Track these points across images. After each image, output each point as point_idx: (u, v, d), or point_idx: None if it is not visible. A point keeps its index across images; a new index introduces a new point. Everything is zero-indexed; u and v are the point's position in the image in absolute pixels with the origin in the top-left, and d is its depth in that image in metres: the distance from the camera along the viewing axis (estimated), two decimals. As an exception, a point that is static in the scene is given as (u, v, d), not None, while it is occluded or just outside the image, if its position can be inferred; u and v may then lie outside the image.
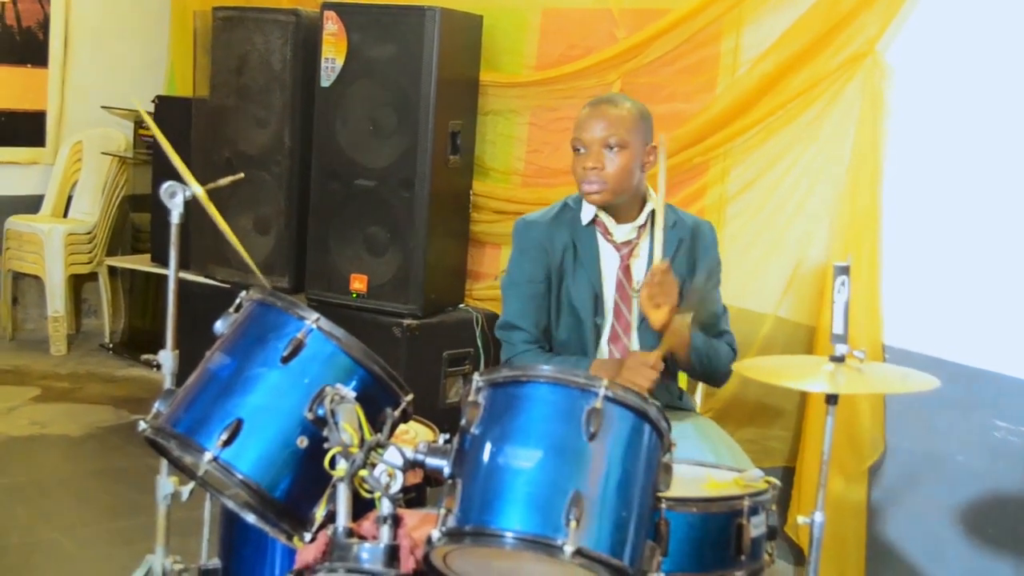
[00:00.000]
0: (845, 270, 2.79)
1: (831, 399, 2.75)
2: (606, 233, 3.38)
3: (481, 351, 5.33)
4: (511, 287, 3.45)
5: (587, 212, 3.38)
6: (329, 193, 5.39)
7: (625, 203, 3.34)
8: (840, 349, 2.78)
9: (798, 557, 4.30)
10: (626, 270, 3.36)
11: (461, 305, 5.54)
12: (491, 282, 5.58)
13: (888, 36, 4.05)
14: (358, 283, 5.31)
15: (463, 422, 2.17)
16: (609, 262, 3.39)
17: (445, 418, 2.78)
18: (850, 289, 2.80)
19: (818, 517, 2.79)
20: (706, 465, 2.91)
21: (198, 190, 3.15)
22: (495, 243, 5.60)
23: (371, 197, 5.28)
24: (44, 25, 7.16)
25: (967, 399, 3.86)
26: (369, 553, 2.19)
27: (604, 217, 3.37)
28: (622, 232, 3.37)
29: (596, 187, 3.25)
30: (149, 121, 3.80)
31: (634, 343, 3.37)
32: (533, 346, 3.39)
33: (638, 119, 3.30)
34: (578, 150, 3.28)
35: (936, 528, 4.01)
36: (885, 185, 4.08)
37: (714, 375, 3.47)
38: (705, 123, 4.56)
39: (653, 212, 3.37)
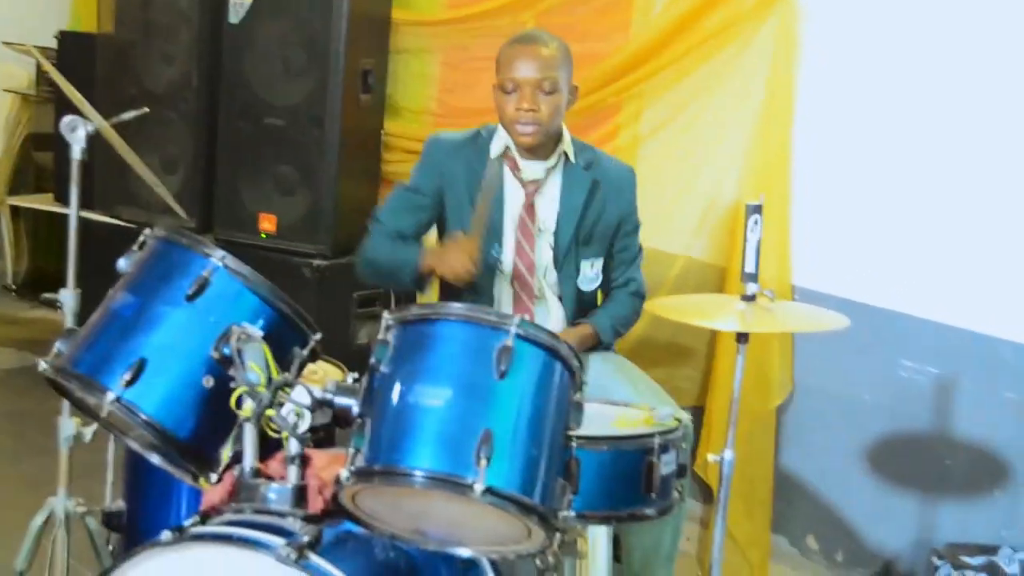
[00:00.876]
0: (758, 209, 2.79)
1: (741, 338, 2.77)
2: (514, 168, 3.35)
3: (391, 292, 5.29)
4: (397, 188, 3.47)
5: (497, 145, 3.35)
6: (237, 132, 5.30)
7: (542, 144, 3.32)
8: (751, 288, 2.79)
9: (706, 496, 4.34)
10: (530, 208, 3.33)
11: (372, 246, 5.49)
12: (403, 223, 5.53)
13: (801, -23, 4.06)
14: (267, 223, 5.23)
15: (372, 360, 2.14)
16: (513, 198, 3.35)
17: (355, 359, 2.74)
18: (762, 228, 2.80)
19: (727, 455, 2.81)
20: (617, 404, 2.91)
21: (102, 124, 3.07)
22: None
23: (280, 136, 5.20)
24: (-58, -42, 6.95)
25: (873, 339, 3.91)
26: (276, 493, 2.17)
27: (515, 152, 3.34)
28: (531, 170, 3.34)
29: (531, 128, 3.21)
30: (40, 59, 3.70)
31: (539, 281, 3.34)
32: (381, 234, 3.38)
33: (566, 59, 3.26)
34: (509, 90, 3.20)
35: (843, 466, 4.08)
36: (796, 126, 4.10)
37: (625, 333, 3.52)
38: (619, 63, 4.55)
39: (565, 153, 3.35)
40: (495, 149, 3.35)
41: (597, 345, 3.38)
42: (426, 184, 3.39)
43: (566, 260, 3.35)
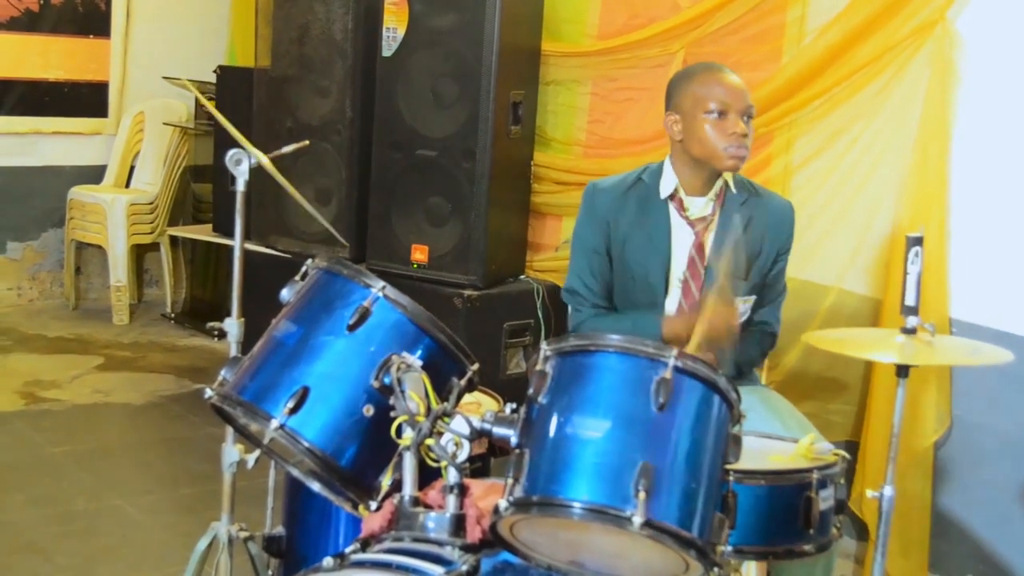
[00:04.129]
0: (918, 241, 2.75)
1: (902, 371, 2.72)
2: (681, 209, 3.33)
3: (542, 322, 5.31)
4: (578, 251, 3.45)
5: (666, 185, 3.33)
6: (390, 163, 5.39)
7: (712, 173, 3.31)
8: (911, 321, 2.74)
9: (861, 533, 4.26)
10: (699, 248, 3.31)
11: (522, 276, 5.53)
12: (552, 253, 5.57)
13: (959, 4, 3.99)
14: (419, 254, 5.30)
15: (530, 391, 2.15)
16: (682, 240, 3.33)
17: (506, 390, 2.77)
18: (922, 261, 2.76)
19: (887, 491, 2.76)
20: (772, 437, 2.88)
21: (263, 158, 3.15)
22: (556, 214, 5.58)
23: (432, 167, 5.27)
24: (107, -4, 7.21)
25: (1035, 374, 3.81)
26: (435, 522, 2.18)
27: (682, 192, 3.32)
28: (698, 206, 3.32)
29: (744, 153, 3.21)
30: (197, 93, 3.81)
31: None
32: (602, 311, 3.38)
33: None
34: (716, 113, 3.20)
35: (1002, 504, 3.96)
36: (954, 155, 4.02)
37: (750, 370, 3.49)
38: (771, 93, 4.51)
39: (726, 182, 3.33)
40: (665, 189, 3.34)
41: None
42: (598, 239, 3.38)
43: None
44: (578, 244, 3.45)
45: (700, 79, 3.26)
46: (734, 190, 3.35)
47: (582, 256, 3.43)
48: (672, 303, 3.35)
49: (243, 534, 3.19)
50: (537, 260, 5.61)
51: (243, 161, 3.05)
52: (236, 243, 3.12)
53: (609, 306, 3.41)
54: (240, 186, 3.07)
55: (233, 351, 3.08)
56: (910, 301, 2.73)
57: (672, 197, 3.34)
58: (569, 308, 3.49)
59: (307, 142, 3.48)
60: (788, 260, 3.46)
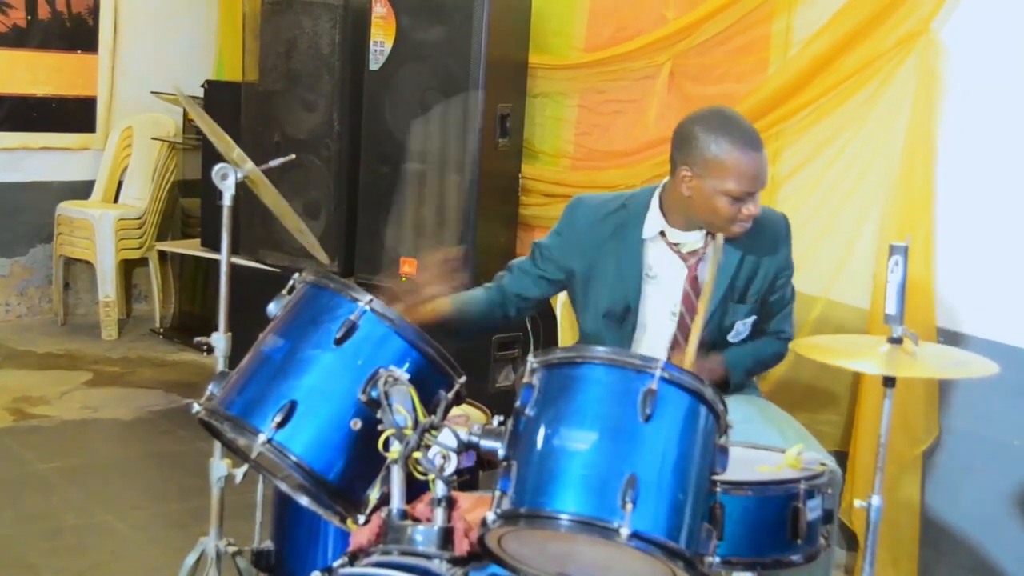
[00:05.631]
0: (900, 250, 2.75)
1: (889, 381, 2.72)
2: (671, 245, 3.29)
3: (531, 335, 5.30)
4: (534, 247, 3.42)
5: (651, 227, 3.28)
6: (378, 177, 5.40)
7: None
8: (897, 330, 2.74)
9: (851, 543, 4.26)
10: (693, 281, 3.28)
11: (510, 289, 5.51)
12: (540, 266, 5.56)
13: (943, 14, 4.00)
14: (407, 266, 5.31)
15: (517, 404, 2.16)
16: (674, 275, 3.30)
17: (494, 403, 2.77)
18: (905, 270, 2.76)
19: (875, 501, 2.75)
20: (759, 447, 2.88)
21: (253, 169, 3.15)
22: (544, 226, 5.56)
23: (420, 181, 5.27)
24: (94, 11, 7.20)
25: (1022, 383, 3.81)
26: (423, 535, 2.18)
27: (670, 231, 3.27)
28: (690, 240, 3.28)
29: (748, 227, 3.17)
30: (187, 105, 3.79)
31: (691, 351, 3.30)
32: (492, 287, 3.39)
33: None
34: (734, 195, 3.09)
35: (993, 514, 3.97)
36: (939, 165, 4.03)
37: (759, 374, 3.51)
38: (756, 104, 4.51)
39: None
40: (648, 231, 3.29)
41: (725, 381, 3.33)
42: (559, 254, 3.35)
43: (712, 319, 3.27)
44: (537, 243, 3.42)
45: (728, 151, 3.09)
46: None
47: (531, 255, 3.41)
48: (665, 336, 3.33)
49: (231, 549, 3.19)
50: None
51: (229, 175, 3.05)
52: (223, 257, 3.12)
53: (506, 301, 3.38)
54: (227, 200, 3.07)
55: (220, 366, 3.09)
56: (891, 310, 2.73)
57: (657, 236, 3.29)
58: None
59: (293, 156, 3.48)
60: (792, 270, 3.45)
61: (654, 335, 3.34)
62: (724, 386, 3.31)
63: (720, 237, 3.20)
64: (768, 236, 3.34)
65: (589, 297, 3.36)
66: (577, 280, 3.37)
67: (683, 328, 3.29)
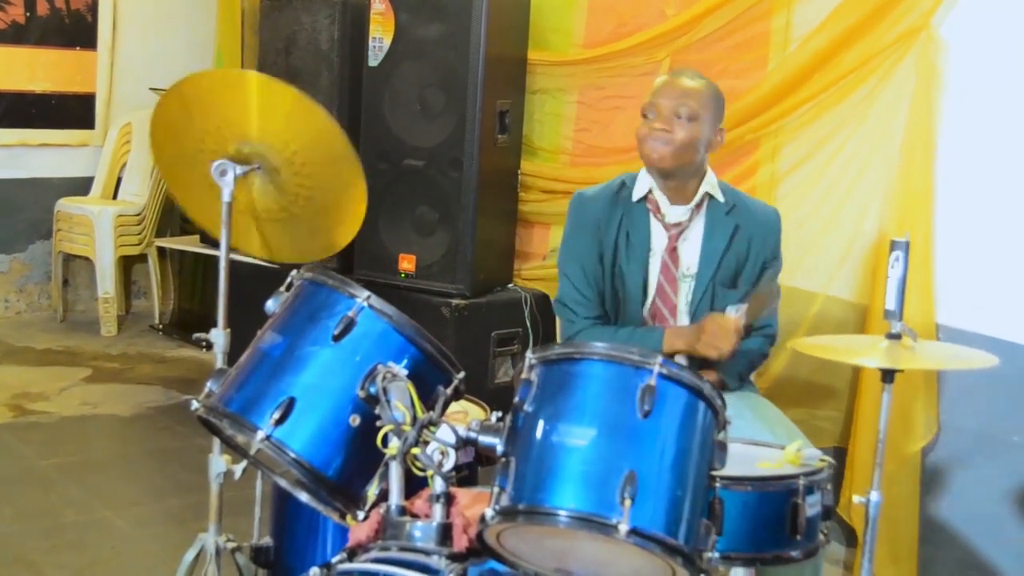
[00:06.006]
0: (900, 246, 2.75)
1: (887, 376, 2.72)
2: (656, 211, 3.35)
3: (530, 331, 5.31)
4: (569, 262, 3.44)
5: (640, 187, 3.36)
6: (377, 173, 5.38)
7: (681, 180, 3.31)
8: (896, 326, 2.74)
9: (850, 539, 4.26)
10: (672, 252, 3.33)
11: (510, 285, 5.52)
12: (540, 262, 5.57)
13: (943, 10, 4.00)
14: (407, 263, 5.31)
15: (516, 400, 2.15)
16: (656, 241, 3.36)
17: (494, 399, 2.77)
18: (906, 266, 2.76)
19: (874, 496, 2.76)
20: (759, 444, 2.88)
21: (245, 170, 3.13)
22: (543, 223, 5.59)
23: (419, 177, 5.28)
24: (93, 8, 7.20)
25: (1022, 379, 3.81)
26: (422, 531, 2.18)
27: (657, 194, 3.35)
28: (675, 213, 3.34)
29: (659, 145, 3.23)
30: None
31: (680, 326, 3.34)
32: (597, 321, 3.38)
33: (712, 96, 3.30)
34: (647, 115, 3.26)
35: (991, 509, 3.97)
36: (939, 160, 4.03)
37: (750, 371, 3.53)
38: (756, 100, 4.52)
39: (708, 195, 3.34)
40: (638, 192, 3.36)
41: (721, 386, 3.34)
42: (590, 247, 3.39)
43: (701, 303, 3.33)
44: (568, 254, 3.44)
45: (652, 87, 3.33)
46: (720, 198, 3.36)
47: (575, 266, 3.42)
48: (648, 303, 3.37)
49: (230, 545, 3.18)
50: (525, 269, 5.61)
51: (228, 172, 3.04)
52: (221, 253, 3.12)
53: (603, 317, 3.41)
54: (225, 196, 3.05)
55: (219, 362, 3.08)
56: (891, 305, 2.74)
57: (646, 199, 3.36)
58: (560, 320, 3.49)
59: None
60: (780, 266, 3.47)
61: (646, 308, 3.39)
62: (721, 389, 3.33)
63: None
64: (759, 222, 3.40)
65: (615, 277, 3.39)
66: (605, 265, 3.40)
67: (665, 301, 3.35)
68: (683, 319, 3.36)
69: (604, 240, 3.37)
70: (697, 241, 3.35)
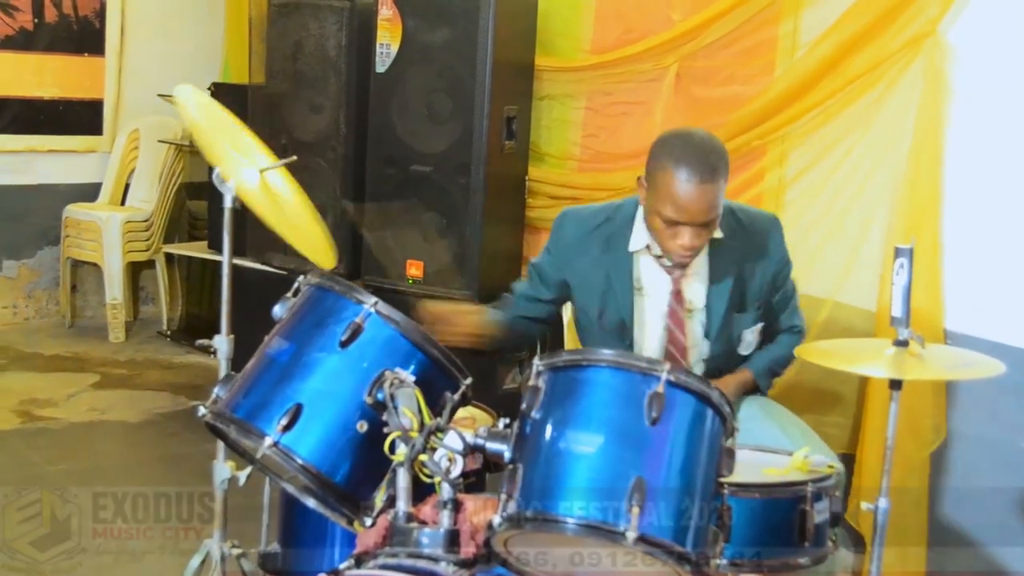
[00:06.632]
0: (904, 252, 2.74)
1: (895, 384, 2.71)
2: (657, 258, 3.24)
3: (538, 338, 5.30)
4: (531, 268, 3.48)
5: (636, 241, 3.25)
6: (385, 179, 5.39)
7: None
8: (903, 333, 2.74)
9: (858, 545, 4.25)
10: (677, 295, 3.25)
11: (517, 291, 5.51)
12: (546, 268, 5.55)
13: (950, 16, 3.98)
14: (414, 269, 5.31)
15: (523, 406, 2.15)
16: (659, 286, 3.27)
17: (501, 405, 2.77)
18: (911, 272, 2.75)
19: (882, 503, 2.75)
20: (767, 450, 2.87)
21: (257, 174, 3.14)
22: (550, 229, 5.57)
23: (427, 183, 5.28)
24: (100, 14, 7.20)
25: (1032, 385, 3.80)
26: (429, 538, 2.18)
27: (654, 244, 3.21)
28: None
29: (688, 256, 3.11)
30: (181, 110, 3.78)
31: (691, 365, 3.31)
32: (522, 320, 3.47)
33: (727, 170, 3.06)
34: (670, 222, 3.02)
35: (1001, 516, 3.96)
36: (947, 166, 4.02)
37: (782, 373, 3.51)
38: (763, 106, 4.51)
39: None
40: (634, 244, 3.26)
41: (755, 390, 3.34)
42: (550, 275, 3.39)
43: (721, 334, 3.29)
44: (536, 264, 3.46)
45: (670, 174, 2.98)
46: (719, 233, 3.19)
47: (532, 276, 3.46)
48: (656, 349, 3.31)
49: (236, 551, 3.18)
50: (532, 275, 5.60)
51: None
52: (224, 259, 3.12)
53: (524, 324, 3.49)
54: (228, 203, 3.06)
55: (223, 368, 3.08)
56: (897, 312, 2.73)
57: (643, 249, 3.26)
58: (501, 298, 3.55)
59: (295, 157, 3.43)
60: (791, 265, 3.43)
61: (650, 351, 3.31)
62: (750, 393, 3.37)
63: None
64: (756, 240, 3.31)
65: (588, 312, 3.36)
66: (574, 295, 3.39)
67: (675, 343, 3.30)
68: (693, 352, 3.32)
69: (572, 269, 3.34)
70: (702, 275, 3.26)
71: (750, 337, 3.34)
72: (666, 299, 3.27)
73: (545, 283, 3.41)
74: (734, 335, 3.32)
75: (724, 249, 3.24)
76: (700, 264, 3.25)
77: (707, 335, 3.29)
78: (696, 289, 3.27)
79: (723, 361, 3.34)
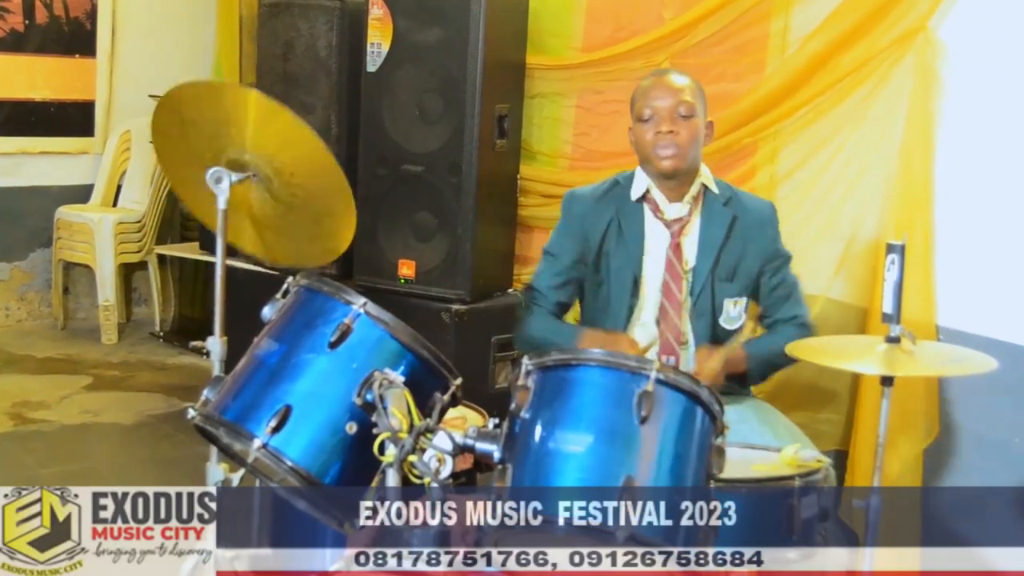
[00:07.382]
0: (896, 248, 2.75)
1: (887, 381, 2.71)
2: (656, 210, 3.35)
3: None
4: (546, 255, 3.50)
5: (637, 188, 3.37)
6: (376, 179, 5.38)
7: (683, 178, 3.32)
8: (895, 330, 2.74)
9: (852, 542, 4.25)
10: (676, 248, 3.33)
11: (510, 290, 5.51)
12: (539, 267, 5.55)
13: (940, 12, 3.99)
14: (406, 269, 5.30)
15: (513, 406, 2.15)
16: (658, 241, 3.36)
17: (494, 404, 2.76)
18: (902, 269, 2.75)
19: (873, 501, 2.75)
20: (755, 447, 2.87)
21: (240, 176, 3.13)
22: (543, 227, 5.57)
23: (418, 182, 5.26)
24: (91, 15, 7.19)
25: (1023, 381, 3.80)
26: (420, 538, 2.18)
27: (655, 193, 3.35)
28: (674, 209, 3.34)
29: (671, 151, 3.23)
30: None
31: (686, 324, 3.34)
32: (543, 311, 3.43)
33: (699, 89, 3.33)
34: (646, 119, 3.26)
35: (994, 512, 3.95)
36: (938, 162, 4.02)
37: (782, 367, 3.47)
38: (754, 103, 4.51)
39: (704, 187, 3.35)
40: (636, 192, 3.37)
41: (744, 373, 3.33)
42: (568, 248, 3.42)
43: (701, 297, 3.33)
44: (548, 248, 3.49)
45: (641, 89, 3.33)
46: (715, 190, 3.38)
47: (547, 261, 3.48)
48: (653, 305, 3.36)
49: (228, 554, 3.17)
50: (525, 273, 5.59)
51: (223, 179, 3.03)
52: (217, 261, 3.11)
53: (563, 307, 3.48)
54: (221, 204, 3.05)
55: (216, 370, 3.06)
56: (888, 309, 2.73)
57: (645, 199, 3.37)
58: (524, 302, 3.53)
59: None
60: (788, 255, 3.49)
61: (651, 307, 3.38)
62: (742, 380, 3.37)
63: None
64: (753, 216, 3.41)
65: (602, 277, 3.40)
66: (596, 260, 3.42)
67: (671, 299, 3.34)
68: (686, 316, 3.35)
69: (590, 238, 3.39)
70: (696, 235, 3.36)
71: (733, 311, 3.36)
72: (663, 253, 3.34)
73: (565, 261, 3.44)
74: (716, 301, 3.35)
75: (719, 209, 3.36)
76: (695, 223, 3.36)
77: (691, 292, 3.33)
78: (691, 248, 3.36)
79: (707, 331, 3.36)
